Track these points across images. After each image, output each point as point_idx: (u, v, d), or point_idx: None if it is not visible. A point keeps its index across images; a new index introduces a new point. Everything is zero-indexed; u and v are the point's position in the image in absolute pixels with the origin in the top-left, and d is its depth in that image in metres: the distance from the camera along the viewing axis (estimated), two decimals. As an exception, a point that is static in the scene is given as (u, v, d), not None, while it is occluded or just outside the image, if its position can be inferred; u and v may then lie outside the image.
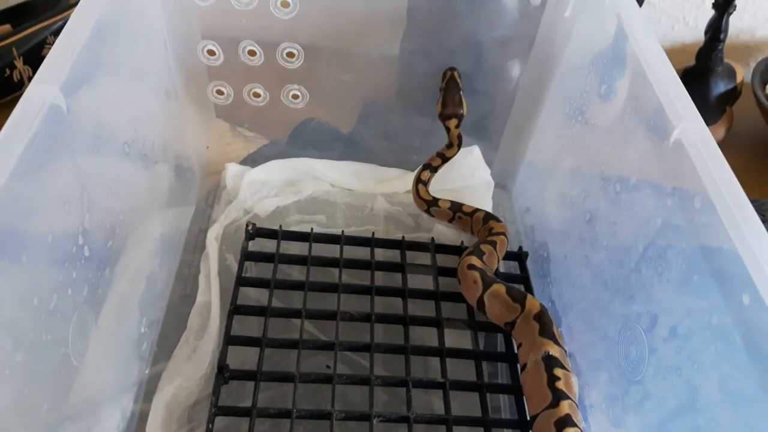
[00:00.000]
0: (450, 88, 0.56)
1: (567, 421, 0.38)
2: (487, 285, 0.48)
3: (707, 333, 0.31)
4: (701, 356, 0.31)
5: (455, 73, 0.57)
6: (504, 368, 0.49)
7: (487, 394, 0.46)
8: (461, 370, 0.47)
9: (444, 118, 0.57)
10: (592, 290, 0.45)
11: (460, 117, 0.57)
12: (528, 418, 0.44)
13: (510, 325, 0.47)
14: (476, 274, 0.49)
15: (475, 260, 0.50)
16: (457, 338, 0.50)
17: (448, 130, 0.57)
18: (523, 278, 0.55)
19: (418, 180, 0.57)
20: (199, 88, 0.59)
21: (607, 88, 0.47)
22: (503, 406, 0.48)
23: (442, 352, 0.48)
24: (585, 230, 0.45)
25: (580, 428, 0.39)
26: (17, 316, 0.30)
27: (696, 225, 0.32)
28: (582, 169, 0.51)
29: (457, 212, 0.56)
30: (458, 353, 0.48)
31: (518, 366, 0.47)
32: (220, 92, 0.59)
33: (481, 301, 0.48)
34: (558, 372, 0.41)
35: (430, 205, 0.57)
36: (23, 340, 0.30)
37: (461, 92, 0.56)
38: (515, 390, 0.46)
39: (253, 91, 0.59)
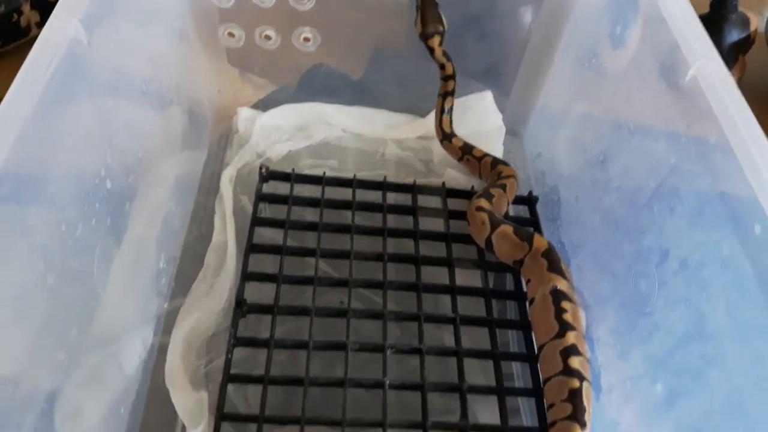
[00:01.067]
0: (427, 4, 0.53)
1: (572, 350, 0.40)
2: (495, 226, 0.49)
3: (717, 263, 0.32)
4: (711, 286, 0.32)
5: None
6: (512, 306, 0.50)
7: (496, 330, 0.47)
8: (471, 307, 0.49)
9: (425, 37, 0.54)
10: (602, 230, 0.46)
11: (441, 34, 0.54)
12: (535, 351, 0.45)
13: (519, 264, 0.48)
14: (484, 216, 0.49)
15: (483, 202, 0.51)
16: (467, 278, 0.51)
17: (431, 50, 0.54)
18: (533, 222, 0.55)
19: (442, 109, 0.56)
20: (211, 30, 0.58)
21: (621, 32, 0.47)
22: (511, 341, 0.50)
23: (452, 290, 0.49)
24: (597, 172, 0.46)
25: (585, 358, 0.40)
26: (47, 242, 0.31)
27: (710, 161, 0.33)
28: (595, 113, 0.51)
29: (467, 154, 0.56)
30: (468, 291, 0.49)
31: (527, 303, 0.48)
32: (231, 35, 0.59)
33: (489, 242, 0.49)
34: (565, 305, 0.42)
35: (445, 137, 0.57)
36: (53, 265, 0.31)
37: (439, 7, 0.54)
38: (523, 326, 0.48)
39: (265, 33, 0.59)
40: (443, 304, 0.50)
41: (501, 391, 0.44)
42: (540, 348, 0.42)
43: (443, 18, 0.54)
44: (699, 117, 0.35)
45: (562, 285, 0.43)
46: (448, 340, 0.47)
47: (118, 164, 0.40)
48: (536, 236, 0.48)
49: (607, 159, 0.45)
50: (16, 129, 0.28)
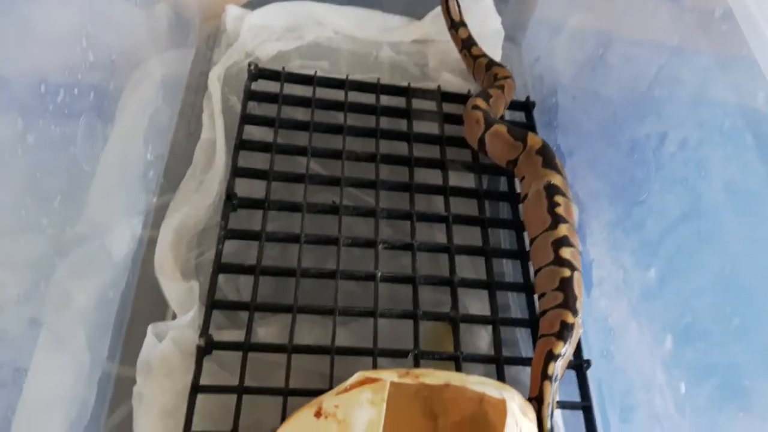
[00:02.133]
0: None
1: (564, 241, 0.40)
2: (488, 125, 0.48)
3: (717, 139, 0.31)
4: (709, 163, 0.32)
5: None
6: (505, 207, 0.50)
7: (489, 229, 0.47)
8: (464, 207, 0.48)
9: None
10: (599, 129, 0.45)
11: None
12: (527, 248, 0.45)
13: (512, 163, 0.47)
14: (479, 114, 0.48)
15: (480, 102, 0.50)
16: (460, 180, 0.50)
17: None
18: (530, 127, 0.54)
19: None
20: None
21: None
22: (503, 241, 0.50)
23: (446, 190, 0.48)
24: (597, 65, 0.45)
25: (577, 250, 0.40)
26: (25, 99, 0.30)
27: (713, 35, 0.32)
28: (595, 13, 0.49)
29: (465, 49, 0.55)
30: (461, 192, 0.49)
31: (519, 205, 0.48)
32: (218, -73, 0.56)
33: (482, 142, 0.49)
34: (558, 199, 0.42)
35: (454, 26, 0.55)
36: (33, 126, 0.30)
37: None
38: (515, 225, 0.47)
39: (254, -74, 0.56)
40: (436, 205, 0.50)
41: (492, 284, 0.44)
42: (532, 240, 0.42)
43: None
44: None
45: (556, 180, 0.43)
46: (441, 238, 0.47)
47: (101, 48, 0.38)
48: (530, 134, 0.47)
49: (606, 52, 0.44)
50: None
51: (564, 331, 0.37)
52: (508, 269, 0.48)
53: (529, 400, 0.37)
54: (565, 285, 0.38)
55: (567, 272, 0.39)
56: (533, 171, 0.45)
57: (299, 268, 0.42)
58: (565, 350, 0.37)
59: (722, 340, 0.30)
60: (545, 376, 0.36)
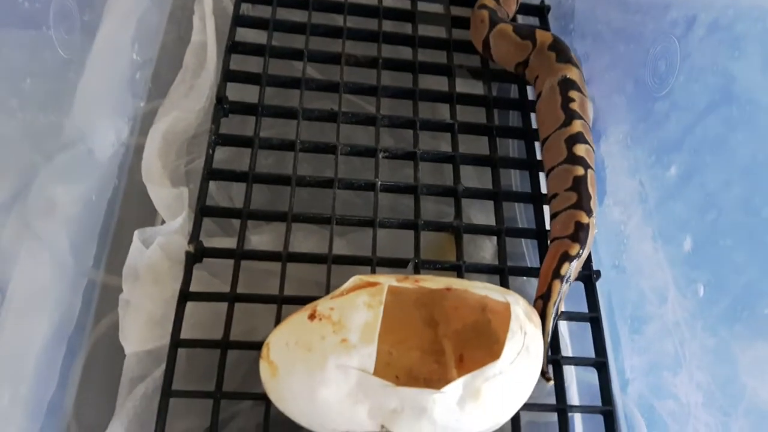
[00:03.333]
0: None
1: (578, 137, 0.37)
2: (493, 24, 0.44)
3: (755, 13, 0.28)
4: (744, 41, 0.28)
5: None
6: (516, 116, 0.47)
7: (497, 138, 0.44)
8: (471, 116, 0.45)
9: None
10: (620, 24, 0.41)
11: None
12: (537, 158, 0.42)
13: (522, 65, 0.44)
14: (485, 13, 0.45)
15: (489, 1, 0.46)
16: (468, 88, 0.47)
17: None
18: (543, 32, 0.51)
19: None
20: None
21: None
22: (512, 150, 0.47)
23: (452, 97, 0.45)
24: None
25: (591, 147, 0.37)
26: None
27: None
28: None
29: None
30: (468, 99, 0.46)
31: (531, 113, 0.45)
32: None
33: (486, 44, 0.45)
34: (573, 94, 0.39)
35: None
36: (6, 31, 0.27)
37: None
38: (526, 134, 0.44)
39: None
40: (442, 113, 0.47)
41: (498, 194, 0.41)
42: (545, 140, 0.40)
43: None
44: None
45: (572, 74, 0.40)
46: (446, 149, 0.44)
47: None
48: (538, 31, 0.43)
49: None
50: None
51: (579, 232, 0.35)
52: (516, 180, 0.45)
53: (536, 300, 0.35)
54: (579, 184, 0.36)
55: (581, 170, 0.36)
56: (547, 67, 0.41)
57: (294, 175, 0.40)
58: (581, 251, 0.35)
59: (747, 237, 0.27)
60: (557, 275, 0.34)
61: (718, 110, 0.29)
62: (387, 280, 0.31)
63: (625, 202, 0.38)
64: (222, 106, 0.42)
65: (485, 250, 0.41)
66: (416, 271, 0.38)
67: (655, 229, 0.35)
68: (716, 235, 0.29)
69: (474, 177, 0.45)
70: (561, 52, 0.41)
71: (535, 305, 0.35)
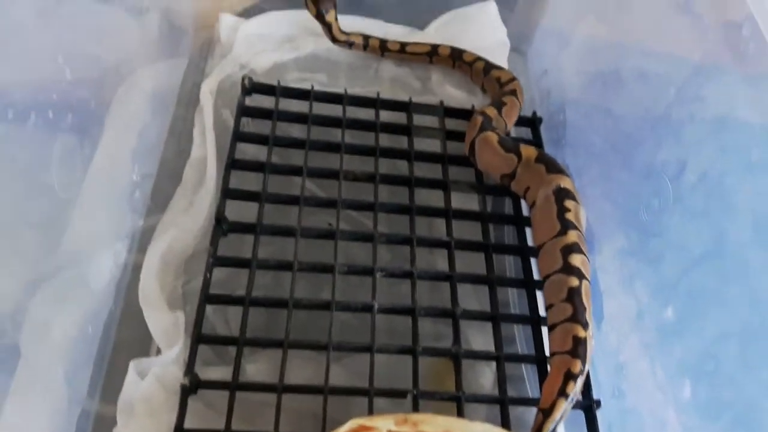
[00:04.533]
0: None
1: (574, 248, 0.38)
2: (482, 129, 0.46)
3: (743, 169, 0.28)
4: (735, 196, 0.29)
5: None
6: (511, 231, 0.47)
7: (493, 255, 0.44)
8: (467, 231, 0.46)
9: (321, 17, 0.51)
10: (610, 149, 0.43)
11: (334, 4, 0.50)
12: (534, 277, 0.43)
13: (509, 178, 0.45)
14: (479, 118, 0.47)
15: (490, 109, 0.48)
16: (463, 202, 0.48)
17: (329, 27, 0.52)
18: (536, 144, 0.52)
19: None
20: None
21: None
22: (509, 268, 0.47)
23: (448, 213, 0.46)
24: (609, 81, 0.42)
25: (586, 257, 0.38)
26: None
27: (741, 53, 0.29)
28: (607, 25, 0.47)
29: (458, 60, 0.53)
30: (464, 214, 0.46)
31: (526, 229, 0.46)
32: (212, -67, 0.54)
33: (472, 147, 0.47)
34: (569, 204, 0.40)
35: (433, 51, 0.53)
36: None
37: None
38: (522, 251, 0.45)
39: (249, -67, 0.53)
40: (438, 229, 0.47)
41: (496, 317, 0.41)
42: (540, 246, 0.40)
43: None
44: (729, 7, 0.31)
45: (565, 183, 0.41)
46: (442, 266, 0.44)
47: (81, 62, 0.36)
48: (522, 145, 0.45)
49: (620, 66, 0.41)
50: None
51: (578, 347, 0.35)
52: (514, 299, 0.45)
53: (537, 412, 0.35)
54: (573, 295, 0.37)
55: (575, 281, 0.37)
56: (538, 179, 0.43)
57: (291, 299, 0.40)
58: (583, 368, 0.35)
59: (750, 393, 0.27)
60: (562, 393, 0.35)
61: (713, 261, 0.30)
62: (385, 423, 0.31)
63: (622, 330, 0.38)
64: (221, 227, 0.42)
65: (484, 376, 0.41)
66: (415, 402, 0.37)
67: (653, 363, 0.35)
68: (715, 387, 0.29)
69: (471, 293, 0.45)
70: (550, 164, 0.43)
71: (536, 418, 0.35)
